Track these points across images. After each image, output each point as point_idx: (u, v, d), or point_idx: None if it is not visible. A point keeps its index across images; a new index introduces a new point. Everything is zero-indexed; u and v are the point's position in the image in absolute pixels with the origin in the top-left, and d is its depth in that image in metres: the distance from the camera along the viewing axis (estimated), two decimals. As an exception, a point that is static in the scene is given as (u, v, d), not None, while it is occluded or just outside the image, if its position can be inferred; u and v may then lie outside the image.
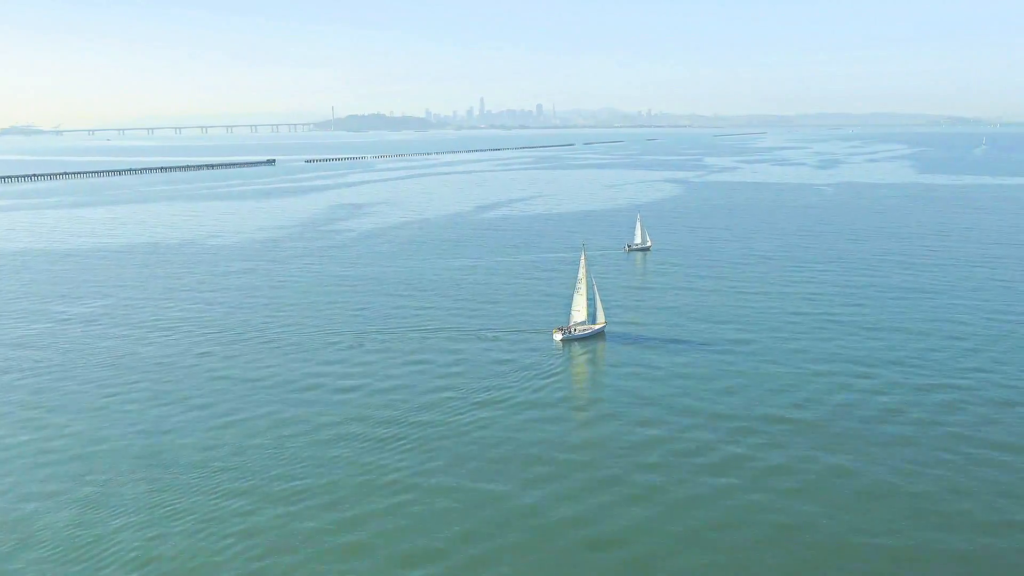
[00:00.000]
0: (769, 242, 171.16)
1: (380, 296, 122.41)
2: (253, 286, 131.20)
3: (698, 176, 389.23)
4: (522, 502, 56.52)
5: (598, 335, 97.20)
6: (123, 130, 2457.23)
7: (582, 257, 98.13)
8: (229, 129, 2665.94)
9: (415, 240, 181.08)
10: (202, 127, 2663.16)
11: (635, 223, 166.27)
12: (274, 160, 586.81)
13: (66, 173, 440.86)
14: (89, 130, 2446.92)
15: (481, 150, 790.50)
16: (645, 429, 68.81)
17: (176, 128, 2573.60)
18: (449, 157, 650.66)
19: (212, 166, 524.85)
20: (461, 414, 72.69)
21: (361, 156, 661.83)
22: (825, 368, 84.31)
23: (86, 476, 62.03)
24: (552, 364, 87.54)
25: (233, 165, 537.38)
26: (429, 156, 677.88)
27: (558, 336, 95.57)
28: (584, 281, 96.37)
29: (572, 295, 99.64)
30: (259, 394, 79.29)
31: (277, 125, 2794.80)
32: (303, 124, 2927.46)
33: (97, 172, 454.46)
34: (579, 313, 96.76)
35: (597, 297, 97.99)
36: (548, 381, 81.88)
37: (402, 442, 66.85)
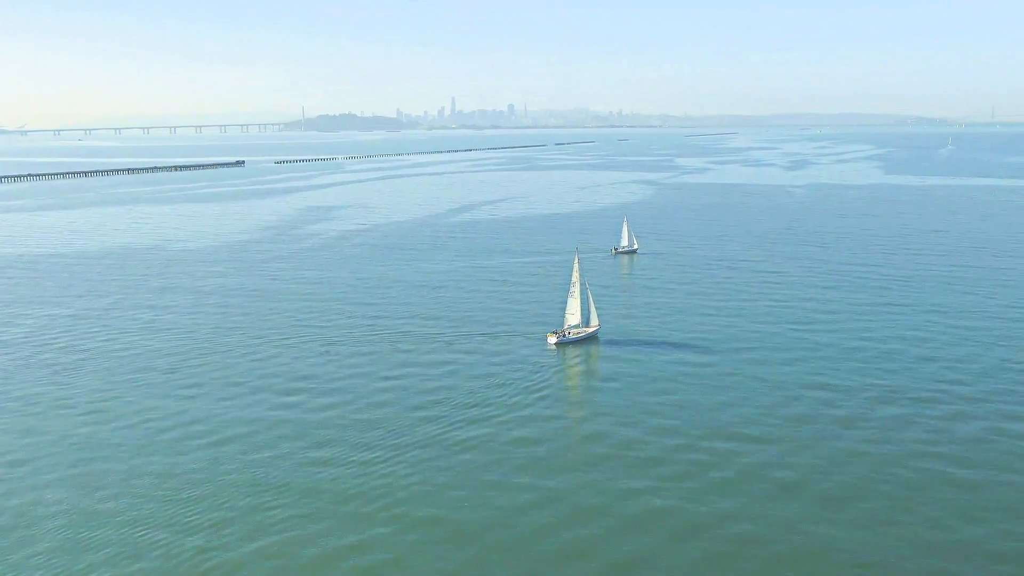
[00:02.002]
0: (749, 243, 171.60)
1: (356, 303, 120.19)
2: (220, 293, 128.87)
3: (670, 177, 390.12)
4: (512, 534, 53.04)
5: (592, 338, 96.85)
6: (90, 130, 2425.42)
7: (575, 260, 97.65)
8: (198, 129, 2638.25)
9: (390, 244, 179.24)
10: (171, 127, 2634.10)
11: (621, 225, 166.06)
12: (243, 161, 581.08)
13: (31, 175, 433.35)
14: (55, 130, 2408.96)
15: (453, 151, 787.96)
16: (643, 446, 66.31)
17: (144, 128, 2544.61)
18: (421, 158, 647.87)
19: (180, 167, 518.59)
20: (451, 430, 69.87)
21: (332, 157, 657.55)
22: (812, 368, 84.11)
23: (53, 499, 60.17)
24: (547, 371, 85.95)
25: (202, 166, 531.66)
26: (400, 157, 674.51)
27: (552, 340, 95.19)
28: (578, 284, 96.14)
29: (564, 299, 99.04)
30: (225, 412, 76.74)
31: (247, 125, 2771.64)
32: (273, 124, 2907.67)
33: (63, 174, 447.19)
34: (573, 316, 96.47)
35: (591, 300, 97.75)
36: (543, 391, 79.85)
37: (382, 465, 63.26)
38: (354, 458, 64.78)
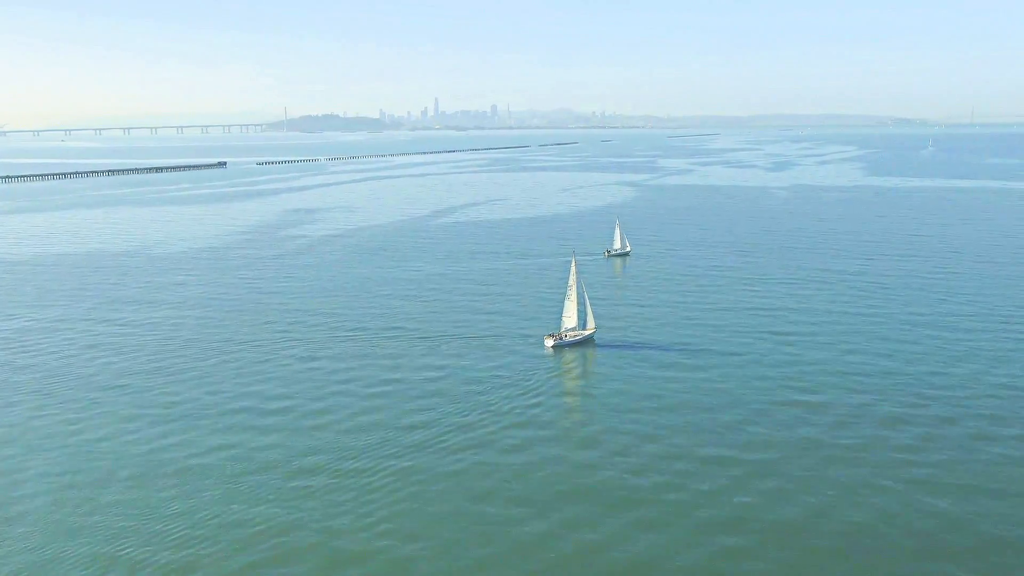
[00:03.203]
0: (738, 244, 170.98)
1: (342, 309, 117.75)
2: (202, 297, 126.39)
3: (655, 179, 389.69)
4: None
5: (588, 341, 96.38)
6: (70, 131, 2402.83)
7: (572, 263, 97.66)
8: (180, 130, 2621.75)
9: (375, 247, 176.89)
10: (152, 128, 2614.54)
11: (613, 228, 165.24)
12: (225, 162, 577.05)
13: (8, 177, 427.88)
14: (34, 131, 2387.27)
15: (436, 152, 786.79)
16: (641, 475, 62.92)
17: (125, 129, 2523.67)
18: (404, 159, 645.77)
19: (161, 169, 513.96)
20: (443, 454, 65.95)
21: (314, 158, 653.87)
22: (805, 369, 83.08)
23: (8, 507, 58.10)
24: (543, 381, 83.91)
25: (183, 168, 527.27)
26: (383, 158, 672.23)
27: (549, 343, 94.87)
28: (575, 287, 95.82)
29: (556, 302, 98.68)
30: (199, 431, 74.06)
31: (229, 126, 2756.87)
32: (255, 125, 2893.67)
33: (41, 175, 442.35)
34: (570, 319, 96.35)
35: (588, 303, 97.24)
36: (539, 405, 77.13)
37: (366, 495, 59.32)
38: (336, 485, 61.11)
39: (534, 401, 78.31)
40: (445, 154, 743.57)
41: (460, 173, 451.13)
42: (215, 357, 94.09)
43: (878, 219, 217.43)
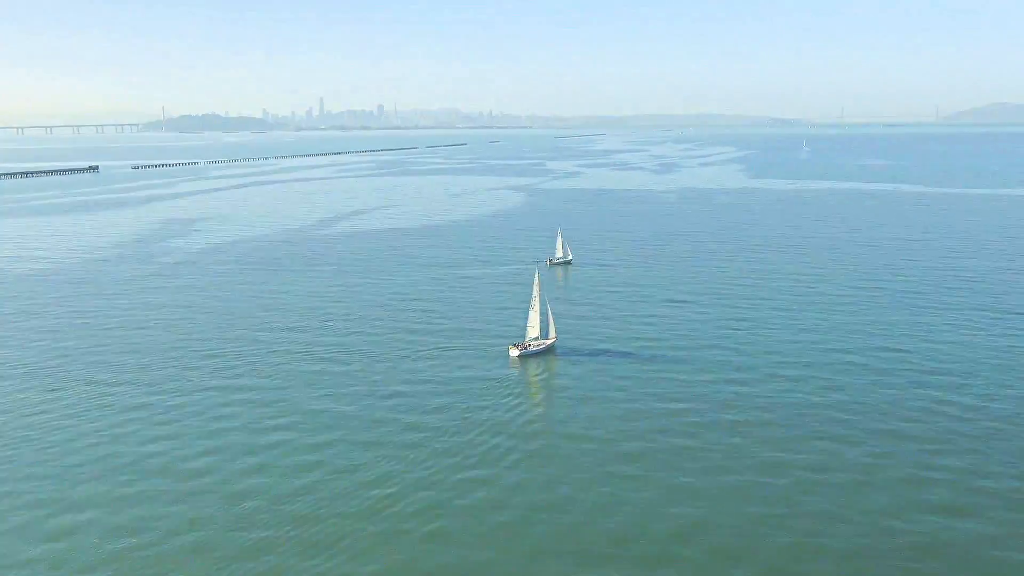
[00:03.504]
0: (665, 247, 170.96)
1: (259, 323, 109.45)
2: (72, 320, 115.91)
3: (549, 182, 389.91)
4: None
5: (550, 350, 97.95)
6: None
7: (536, 273, 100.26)
8: (48, 130, 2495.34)
9: (263, 259, 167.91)
10: (17, 128, 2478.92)
11: (555, 237, 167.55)
12: (97, 167, 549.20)
13: None
14: None
15: (323, 154, 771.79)
16: (610, 503, 60.81)
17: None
18: (289, 162, 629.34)
19: (25, 174, 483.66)
20: (409, 467, 63.48)
21: (194, 161, 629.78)
22: (759, 370, 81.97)
23: None
24: (511, 395, 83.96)
25: (50, 172, 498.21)
26: (268, 161, 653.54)
27: (515, 353, 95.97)
28: (538, 298, 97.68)
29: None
30: (82, 485, 67.21)
31: (102, 125, 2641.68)
32: (131, 124, 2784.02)
33: None
34: (533, 329, 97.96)
35: (549, 312, 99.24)
36: (507, 421, 76.67)
37: (311, 528, 55.63)
38: (277, 521, 56.66)
39: (499, 416, 78.29)
40: (332, 156, 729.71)
41: (351, 177, 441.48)
42: (94, 391, 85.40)
43: (764, 218, 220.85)
